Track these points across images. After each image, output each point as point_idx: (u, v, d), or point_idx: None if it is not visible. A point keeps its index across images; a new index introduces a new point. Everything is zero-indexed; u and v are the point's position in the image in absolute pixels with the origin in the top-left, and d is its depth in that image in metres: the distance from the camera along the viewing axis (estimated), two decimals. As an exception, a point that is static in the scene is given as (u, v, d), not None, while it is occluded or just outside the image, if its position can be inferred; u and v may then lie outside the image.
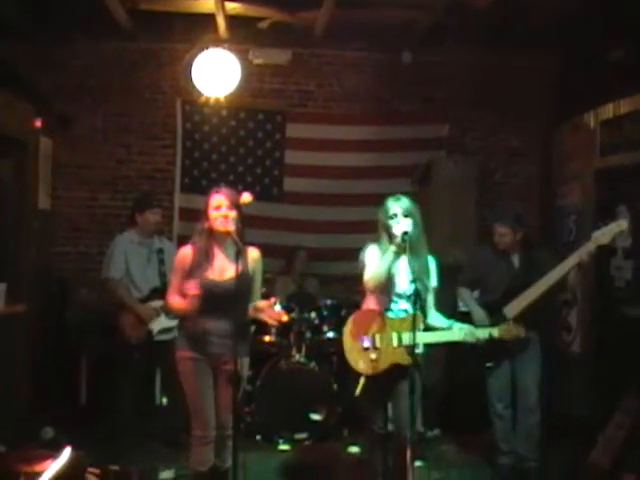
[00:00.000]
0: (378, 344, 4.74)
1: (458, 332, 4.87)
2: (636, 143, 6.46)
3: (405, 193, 4.93)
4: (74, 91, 7.91)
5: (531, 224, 6.19)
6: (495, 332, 5.06)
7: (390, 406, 4.88)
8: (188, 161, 8.20)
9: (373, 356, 4.72)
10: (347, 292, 7.30)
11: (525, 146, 8.49)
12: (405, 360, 4.64)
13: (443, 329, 4.86)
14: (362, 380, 4.74)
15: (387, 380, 4.77)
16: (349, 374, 4.88)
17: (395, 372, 4.72)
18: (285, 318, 5.10)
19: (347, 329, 4.87)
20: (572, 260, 5.22)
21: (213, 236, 4.58)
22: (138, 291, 6.26)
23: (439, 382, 7.02)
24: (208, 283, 4.47)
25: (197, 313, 4.48)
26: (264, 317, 4.61)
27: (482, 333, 5.01)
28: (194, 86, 7.21)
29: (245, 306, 4.58)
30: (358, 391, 4.75)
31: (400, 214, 4.71)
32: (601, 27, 6.85)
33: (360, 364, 4.76)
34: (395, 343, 4.73)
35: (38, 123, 7.18)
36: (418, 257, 4.73)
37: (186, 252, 4.61)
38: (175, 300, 4.59)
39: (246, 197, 4.57)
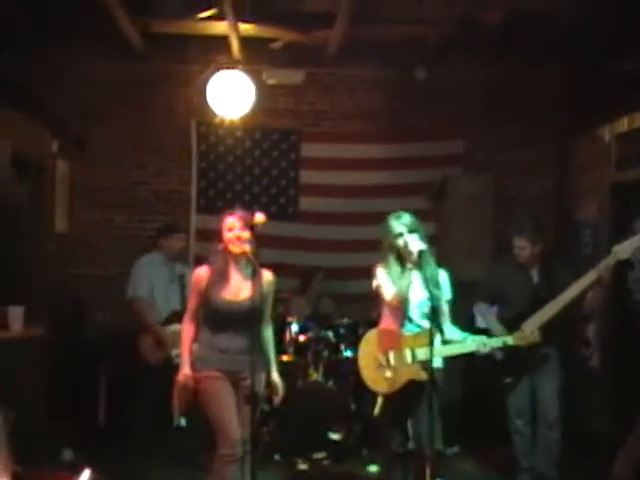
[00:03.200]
0: (392, 362, 4.73)
1: (471, 343, 4.83)
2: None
3: (420, 211, 4.93)
4: (89, 113, 7.93)
5: (547, 238, 6.15)
6: (510, 340, 4.99)
7: (410, 424, 4.85)
8: (203, 182, 8.24)
9: (388, 374, 4.71)
10: (364, 311, 7.26)
11: (540, 160, 8.42)
12: (421, 376, 4.61)
13: (457, 342, 4.84)
14: (380, 399, 4.74)
15: (405, 398, 4.74)
16: (367, 393, 4.86)
17: (413, 389, 4.69)
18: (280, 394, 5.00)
19: (362, 349, 4.88)
20: (592, 275, 5.17)
21: (229, 257, 4.63)
22: (158, 313, 6.28)
23: (457, 398, 6.99)
24: (224, 303, 4.53)
25: (212, 333, 4.57)
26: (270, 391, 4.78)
27: (496, 342, 4.96)
28: (209, 107, 7.27)
29: (258, 325, 4.63)
30: (377, 411, 4.74)
31: (405, 231, 4.73)
32: (615, 39, 6.84)
33: (376, 383, 4.75)
34: (409, 360, 4.71)
35: (55, 147, 7.23)
36: (429, 270, 4.73)
37: (202, 272, 4.67)
38: (184, 330, 4.69)
39: (259, 217, 4.56)
